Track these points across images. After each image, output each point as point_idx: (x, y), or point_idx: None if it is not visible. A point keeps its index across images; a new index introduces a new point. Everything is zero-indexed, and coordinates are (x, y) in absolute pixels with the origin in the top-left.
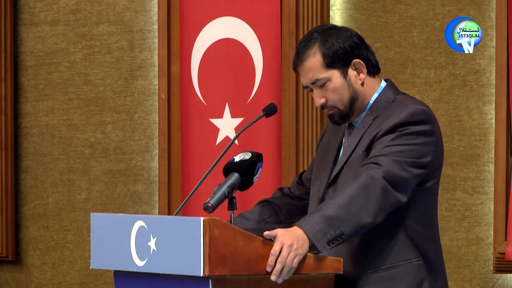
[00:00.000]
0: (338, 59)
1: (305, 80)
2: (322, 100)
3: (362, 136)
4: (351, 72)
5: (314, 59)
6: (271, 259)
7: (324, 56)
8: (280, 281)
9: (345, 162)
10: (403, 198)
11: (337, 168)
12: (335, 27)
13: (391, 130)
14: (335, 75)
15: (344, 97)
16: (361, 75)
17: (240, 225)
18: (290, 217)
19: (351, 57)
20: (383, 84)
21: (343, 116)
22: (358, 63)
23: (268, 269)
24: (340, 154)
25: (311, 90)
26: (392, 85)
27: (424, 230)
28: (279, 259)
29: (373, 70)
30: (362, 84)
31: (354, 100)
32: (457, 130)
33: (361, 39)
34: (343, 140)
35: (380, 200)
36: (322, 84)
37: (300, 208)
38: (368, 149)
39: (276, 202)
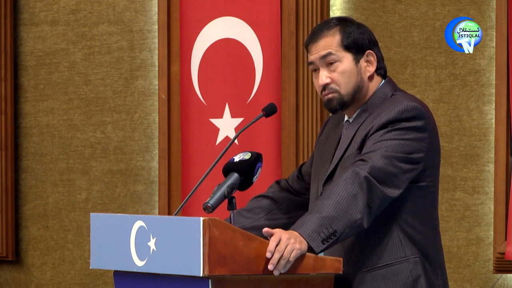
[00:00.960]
0: (355, 45)
1: (316, 55)
2: (327, 80)
3: (355, 133)
4: (363, 62)
5: (333, 38)
6: (271, 245)
7: (343, 38)
8: (276, 273)
9: (340, 159)
10: (393, 193)
11: (331, 166)
12: (352, 20)
13: (382, 127)
14: (347, 58)
15: (350, 82)
16: (371, 68)
17: (239, 224)
18: (288, 212)
19: (366, 48)
20: (382, 82)
21: (342, 103)
22: (370, 55)
23: (268, 255)
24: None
25: (315, 70)
26: (391, 81)
27: (423, 228)
28: (277, 249)
29: (380, 70)
30: (369, 77)
31: (358, 89)
32: (457, 130)
33: (376, 40)
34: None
35: (366, 195)
36: (332, 61)
37: (299, 204)
38: (361, 147)
39: (274, 197)
